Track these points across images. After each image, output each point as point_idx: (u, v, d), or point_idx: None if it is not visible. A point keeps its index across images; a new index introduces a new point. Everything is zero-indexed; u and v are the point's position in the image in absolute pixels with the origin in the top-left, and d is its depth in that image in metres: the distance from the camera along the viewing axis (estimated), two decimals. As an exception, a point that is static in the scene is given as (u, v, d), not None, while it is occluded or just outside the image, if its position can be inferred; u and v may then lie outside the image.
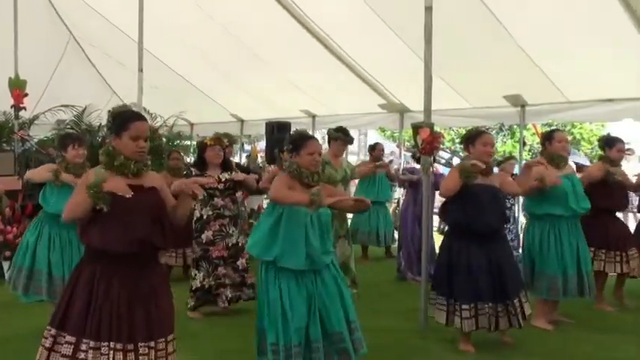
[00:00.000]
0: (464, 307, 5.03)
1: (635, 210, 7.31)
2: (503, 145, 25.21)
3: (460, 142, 5.66)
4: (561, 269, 5.79)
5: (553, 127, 6.74)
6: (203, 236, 6.18)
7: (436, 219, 9.80)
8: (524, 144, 11.30)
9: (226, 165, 6.41)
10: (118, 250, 3.31)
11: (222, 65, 11.31)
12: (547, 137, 6.10)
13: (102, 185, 3.27)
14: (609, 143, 6.71)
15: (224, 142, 6.51)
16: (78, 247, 5.37)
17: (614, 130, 19.73)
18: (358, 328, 4.12)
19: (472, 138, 5.24)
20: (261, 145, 15.43)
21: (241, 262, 6.29)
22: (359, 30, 8.96)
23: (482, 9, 7.51)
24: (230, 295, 6.21)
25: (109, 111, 3.51)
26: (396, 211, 11.95)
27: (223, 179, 6.25)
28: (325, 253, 4.09)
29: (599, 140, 7.08)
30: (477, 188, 5.07)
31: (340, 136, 6.48)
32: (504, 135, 26.33)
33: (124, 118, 3.41)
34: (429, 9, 5.71)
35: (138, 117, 3.51)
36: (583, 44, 7.54)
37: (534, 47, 7.96)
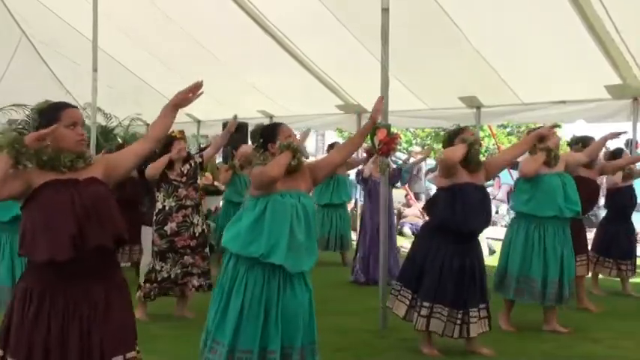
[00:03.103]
0: (424, 304, 4.96)
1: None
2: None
3: (443, 145, 5.45)
4: (542, 274, 5.66)
5: (540, 126, 6.34)
6: (167, 228, 6.05)
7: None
8: (481, 145, 11.46)
9: (187, 157, 6.33)
10: (52, 258, 2.86)
11: (178, 65, 11.20)
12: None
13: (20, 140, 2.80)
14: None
15: (185, 136, 6.42)
16: None
17: (567, 131, 20.08)
18: (317, 352, 3.88)
19: (456, 134, 5.16)
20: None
21: (207, 250, 6.29)
22: (316, 31, 8.96)
23: (439, 12, 7.57)
24: (197, 284, 6.17)
25: (32, 109, 3.15)
26: (353, 211, 11.95)
27: (185, 171, 6.19)
28: (309, 252, 3.82)
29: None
30: (468, 187, 4.97)
31: None
32: (460, 136, 26.61)
33: (52, 110, 3.04)
34: (385, 10, 5.74)
35: (67, 105, 3.14)
36: (536, 47, 7.66)
37: (489, 50, 8.06)
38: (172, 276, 6.08)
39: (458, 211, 4.91)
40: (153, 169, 6.09)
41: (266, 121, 11.86)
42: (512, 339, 5.68)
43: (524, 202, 5.76)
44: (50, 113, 3.01)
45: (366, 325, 5.99)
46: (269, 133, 3.98)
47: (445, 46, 8.14)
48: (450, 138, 5.23)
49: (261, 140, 3.98)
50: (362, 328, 5.95)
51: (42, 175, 2.96)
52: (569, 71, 7.86)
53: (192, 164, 6.29)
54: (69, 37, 11.14)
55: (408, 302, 5.10)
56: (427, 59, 8.55)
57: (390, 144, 5.65)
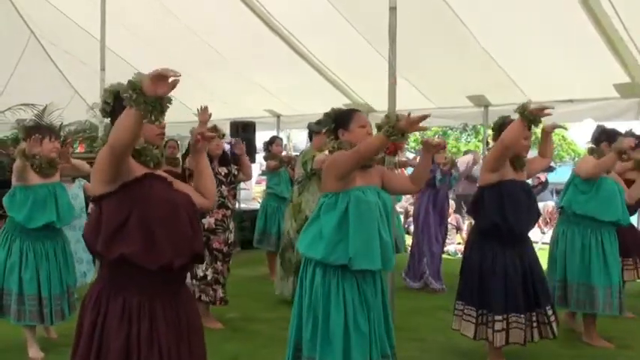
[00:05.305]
0: (497, 318, 4.60)
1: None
2: (467, 145, 25.50)
3: (493, 138, 5.19)
4: (604, 282, 5.33)
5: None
6: (205, 221, 5.69)
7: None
8: (488, 143, 11.43)
9: (225, 159, 6.10)
10: (172, 263, 2.50)
11: (185, 65, 11.12)
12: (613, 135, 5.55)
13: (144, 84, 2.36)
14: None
15: (221, 131, 6.02)
16: (56, 262, 4.89)
17: (575, 130, 20.00)
18: (394, 355, 3.58)
19: (504, 124, 4.93)
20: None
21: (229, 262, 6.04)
22: (323, 29, 8.95)
23: (446, 10, 7.55)
24: (222, 295, 5.88)
25: (106, 89, 2.76)
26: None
27: (223, 173, 5.96)
28: (393, 250, 3.52)
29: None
30: (514, 186, 4.69)
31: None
32: (468, 134, 26.67)
33: None
34: (393, 9, 5.72)
35: None
36: (544, 46, 7.63)
37: (497, 49, 8.04)
38: (207, 277, 5.77)
39: (508, 212, 4.60)
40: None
41: (272, 121, 11.89)
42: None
43: (584, 203, 5.42)
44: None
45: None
46: (342, 119, 3.67)
47: (453, 44, 8.13)
48: (501, 128, 4.95)
49: (333, 125, 3.68)
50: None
51: (134, 164, 2.60)
52: (577, 70, 7.83)
53: (230, 171, 6.06)
54: (77, 36, 11.16)
55: (474, 320, 4.74)
56: (435, 58, 8.53)
57: (397, 143, 5.66)
